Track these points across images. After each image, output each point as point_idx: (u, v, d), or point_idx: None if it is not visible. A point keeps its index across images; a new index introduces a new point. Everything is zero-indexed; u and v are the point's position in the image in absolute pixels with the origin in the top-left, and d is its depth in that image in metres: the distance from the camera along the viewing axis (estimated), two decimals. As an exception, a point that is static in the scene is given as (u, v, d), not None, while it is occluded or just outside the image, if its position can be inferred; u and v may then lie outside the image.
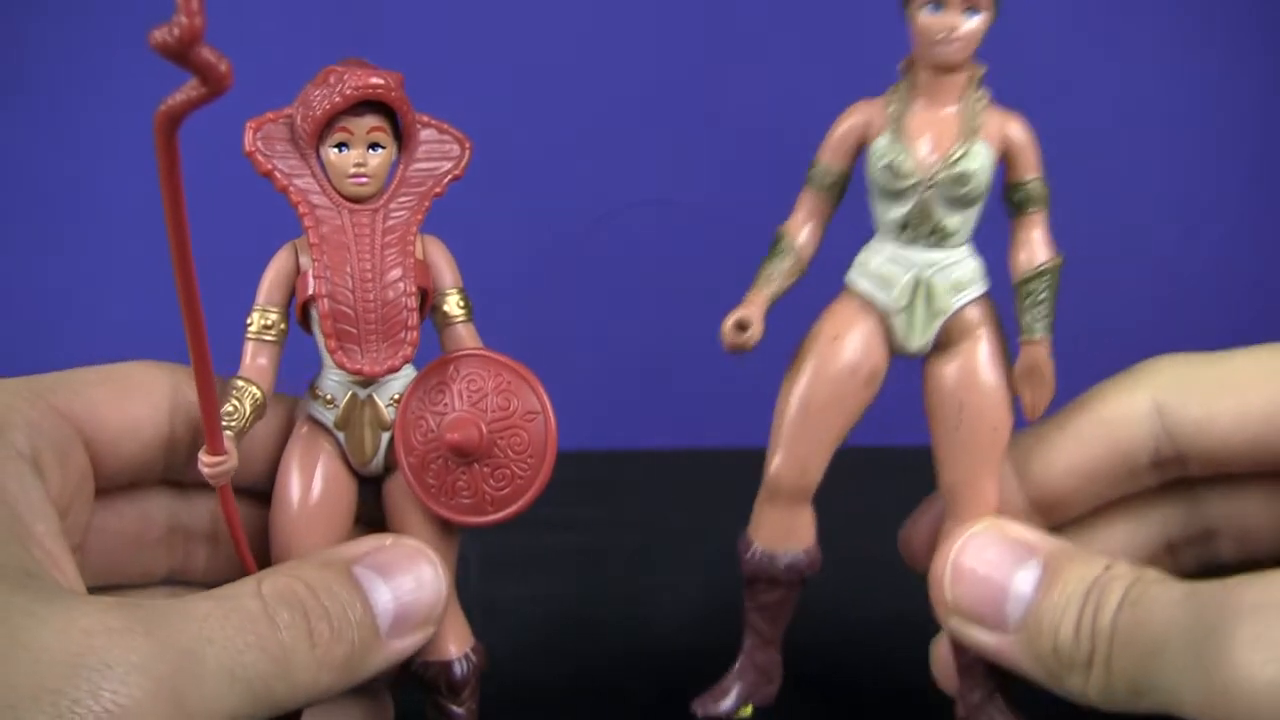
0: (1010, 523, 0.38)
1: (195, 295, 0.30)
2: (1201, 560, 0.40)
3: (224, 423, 0.36)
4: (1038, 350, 0.38)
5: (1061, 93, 0.75)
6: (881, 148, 0.39)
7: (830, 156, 0.40)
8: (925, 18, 0.37)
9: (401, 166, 0.39)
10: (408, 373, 0.39)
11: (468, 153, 0.40)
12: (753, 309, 0.39)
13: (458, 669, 0.40)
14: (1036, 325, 0.39)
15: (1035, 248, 0.39)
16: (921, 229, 0.39)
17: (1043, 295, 0.39)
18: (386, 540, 0.39)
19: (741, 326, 0.39)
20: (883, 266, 0.39)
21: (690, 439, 0.73)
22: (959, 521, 0.39)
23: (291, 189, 0.38)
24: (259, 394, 0.37)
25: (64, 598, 0.29)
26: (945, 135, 0.38)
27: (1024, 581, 0.35)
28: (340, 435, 0.39)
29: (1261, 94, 0.77)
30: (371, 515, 0.41)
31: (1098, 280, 0.79)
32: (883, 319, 0.40)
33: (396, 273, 0.38)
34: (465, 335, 0.40)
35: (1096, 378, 0.41)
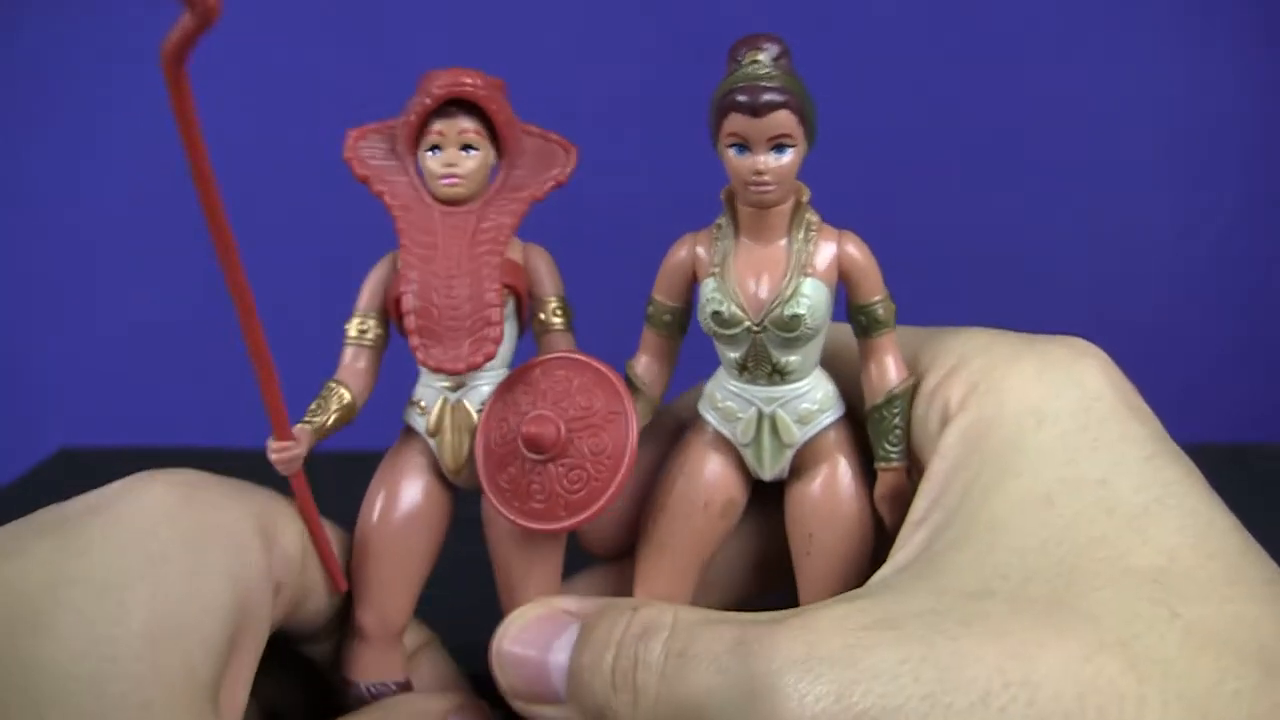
0: (559, 598, 0.38)
1: (235, 256, 0.28)
2: None
3: (303, 420, 0.37)
4: (896, 476, 0.38)
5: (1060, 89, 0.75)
6: (708, 292, 0.37)
7: (663, 295, 0.39)
8: (733, 159, 0.35)
9: (503, 172, 0.39)
10: (498, 376, 0.39)
11: (573, 159, 0.39)
12: None
13: None
14: (893, 452, 0.38)
15: (886, 372, 0.38)
16: (760, 370, 0.38)
17: (896, 420, 0.37)
18: (465, 702, 0.40)
19: None
20: (725, 401, 0.39)
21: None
22: None
23: (386, 193, 0.38)
24: (348, 396, 0.38)
25: None
26: (773, 275, 0.36)
27: (561, 649, 0.35)
28: (432, 442, 0.39)
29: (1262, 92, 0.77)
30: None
31: (1097, 278, 0.78)
32: (737, 449, 0.39)
33: (484, 270, 0.37)
34: (561, 344, 0.40)
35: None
